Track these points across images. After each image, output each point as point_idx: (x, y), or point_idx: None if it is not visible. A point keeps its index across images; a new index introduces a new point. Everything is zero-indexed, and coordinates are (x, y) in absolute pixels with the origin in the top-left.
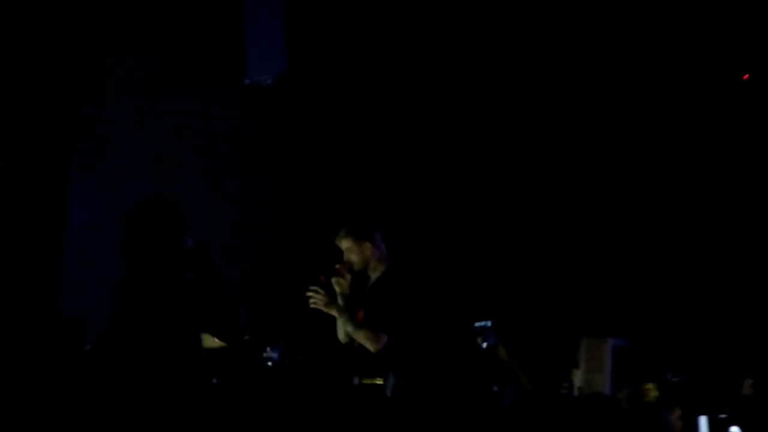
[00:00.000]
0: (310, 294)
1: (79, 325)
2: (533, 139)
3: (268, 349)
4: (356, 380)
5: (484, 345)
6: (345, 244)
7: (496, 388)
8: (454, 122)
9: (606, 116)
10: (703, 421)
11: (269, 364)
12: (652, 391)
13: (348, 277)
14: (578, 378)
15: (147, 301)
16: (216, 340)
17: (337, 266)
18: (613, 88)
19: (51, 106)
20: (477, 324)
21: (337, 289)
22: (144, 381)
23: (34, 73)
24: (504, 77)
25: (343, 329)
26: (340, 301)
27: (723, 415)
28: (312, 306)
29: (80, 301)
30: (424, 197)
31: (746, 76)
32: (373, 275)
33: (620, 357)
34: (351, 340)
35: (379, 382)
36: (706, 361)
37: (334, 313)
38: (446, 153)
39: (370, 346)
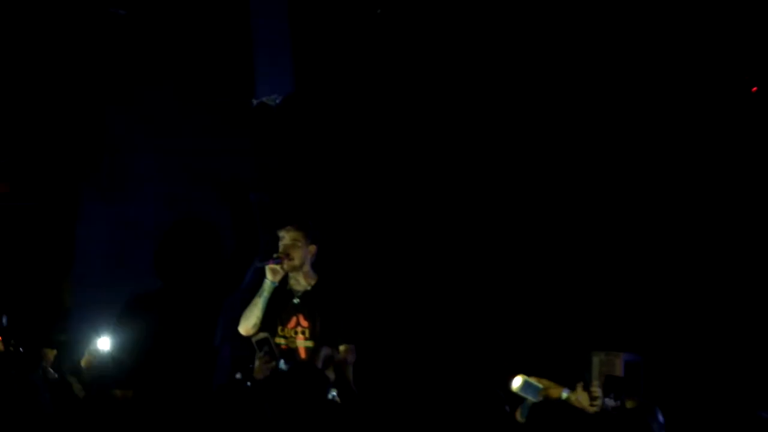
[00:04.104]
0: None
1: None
2: (538, 143)
3: None
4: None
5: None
6: (292, 236)
7: None
8: (458, 147)
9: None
10: None
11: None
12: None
13: (285, 267)
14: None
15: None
16: None
17: (279, 254)
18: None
19: (65, 132)
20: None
21: (270, 276)
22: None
23: (48, 102)
24: (509, 100)
25: (256, 318)
26: (267, 289)
27: None
28: None
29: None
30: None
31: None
32: (301, 284)
33: (632, 372)
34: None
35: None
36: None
37: None
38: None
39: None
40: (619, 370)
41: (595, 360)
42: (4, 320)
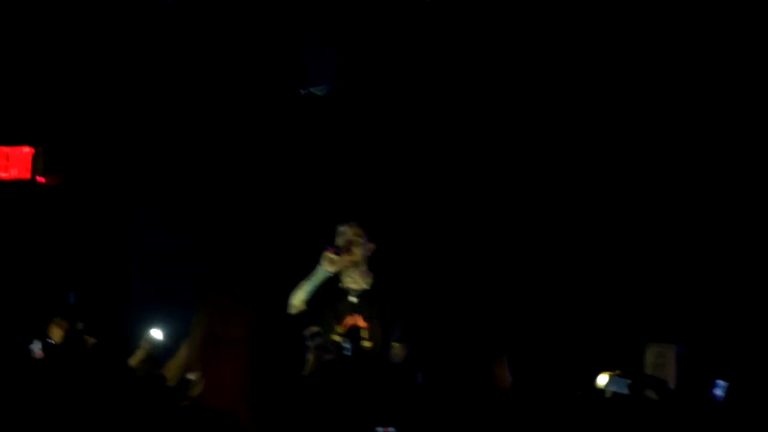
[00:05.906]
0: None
1: None
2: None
3: None
4: None
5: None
6: (354, 232)
7: None
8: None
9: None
10: None
11: None
12: None
13: (345, 262)
14: None
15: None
16: None
17: (339, 245)
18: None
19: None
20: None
21: (327, 266)
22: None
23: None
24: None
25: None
26: (319, 277)
27: None
28: None
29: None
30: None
31: None
32: (358, 282)
33: (685, 363)
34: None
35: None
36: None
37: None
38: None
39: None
40: (671, 362)
41: (649, 353)
42: (72, 297)
